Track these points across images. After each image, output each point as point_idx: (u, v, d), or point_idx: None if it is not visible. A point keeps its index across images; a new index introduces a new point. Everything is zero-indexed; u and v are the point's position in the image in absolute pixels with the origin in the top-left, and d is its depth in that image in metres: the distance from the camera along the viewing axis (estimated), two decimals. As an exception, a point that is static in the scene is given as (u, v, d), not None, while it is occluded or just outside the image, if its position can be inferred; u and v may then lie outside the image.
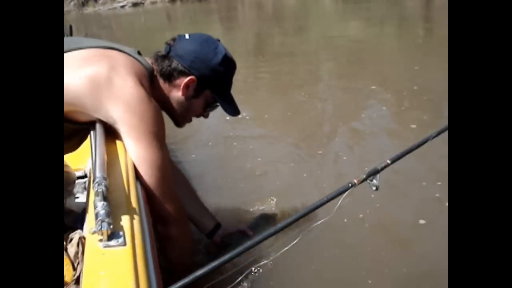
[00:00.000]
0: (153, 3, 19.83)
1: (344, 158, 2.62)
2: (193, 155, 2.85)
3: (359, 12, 9.40)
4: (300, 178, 2.40)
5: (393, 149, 2.50)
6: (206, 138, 3.09)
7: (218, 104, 1.45)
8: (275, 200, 2.14)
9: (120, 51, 1.26)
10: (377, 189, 0.87)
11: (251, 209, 2.08)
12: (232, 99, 1.47)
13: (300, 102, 3.75)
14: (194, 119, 1.51)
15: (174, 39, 1.38)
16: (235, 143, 2.98)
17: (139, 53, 1.32)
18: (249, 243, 0.72)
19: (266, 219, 1.88)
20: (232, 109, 1.46)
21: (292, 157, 2.70)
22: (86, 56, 1.19)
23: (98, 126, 1.21)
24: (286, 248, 0.84)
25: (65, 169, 1.65)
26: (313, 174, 2.45)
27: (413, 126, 2.93)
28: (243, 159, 2.74)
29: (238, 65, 1.47)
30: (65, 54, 1.19)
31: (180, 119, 1.45)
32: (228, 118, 1.92)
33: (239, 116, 1.52)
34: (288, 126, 3.24)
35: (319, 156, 2.69)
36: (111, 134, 1.22)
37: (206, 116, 1.50)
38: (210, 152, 2.92)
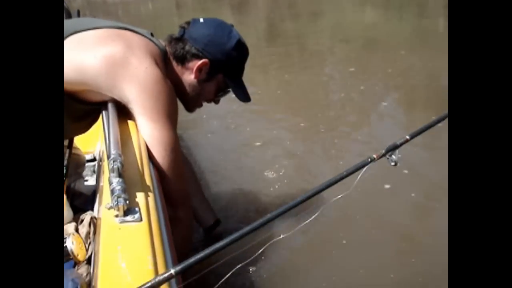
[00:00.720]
0: (163, -11, 19.48)
1: (349, 139, 2.69)
2: (209, 135, 2.90)
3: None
4: (305, 163, 2.43)
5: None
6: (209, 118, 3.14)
7: (229, 89, 1.45)
8: (279, 184, 2.17)
9: (134, 31, 1.25)
10: (396, 164, 0.86)
11: (256, 195, 2.09)
12: (243, 85, 1.47)
13: (309, 85, 3.83)
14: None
15: (188, 23, 1.38)
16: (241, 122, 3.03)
17: (152, 35, 1.31)
18: (269, 215, 0.72)
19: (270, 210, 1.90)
20: (244, 95, 1.46)
21: (296, 136, 2.76)
22: (101, 36, 1.19)
23: (110, 105, 1.21)
24: (305, 222, 0.83)
25: (75, 152, 1.66)
26: (320, 157, 2.49)
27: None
28: (245, 137, 2.80)
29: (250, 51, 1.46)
30: (79, 34, 1.19)
31: (192, 103, 1.44)
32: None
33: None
34: (295, 107, 3.34)
35: (325, 137, 2.74)
36: (123, 114, 1.22)
37: (216, 102, 1.50)
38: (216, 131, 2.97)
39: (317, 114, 3.12)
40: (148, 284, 0.64)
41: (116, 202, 0.83)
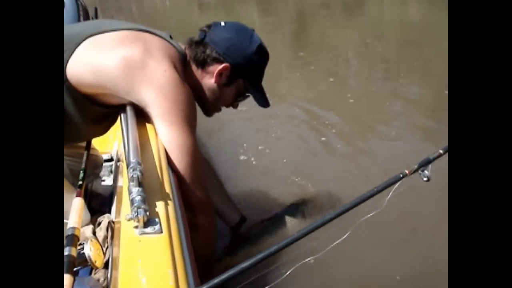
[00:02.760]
0: (183, -15, 18.93)
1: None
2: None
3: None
4: (319, 164, 2.42)
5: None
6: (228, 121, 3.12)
7: (248, 94, 1.43)
8: (296, 183, 2.16)
9: (154, 34, 1.23)
10: (428, 180, 0.83)
11: (274, 195, 2.08)
12: (263, 90, 1.44)
13: (333, 90, 3.75)
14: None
15: (209, 26, 1.35)
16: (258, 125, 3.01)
17: (170, 37, 1.29)
18: (296, 234, 0.69)
19: (290, 207, 1.86)
20: (263, 100, 1.44)
21: (312, 142, 2.73)
22: (120, 38, 1.17)
23: (129, 109, 1.19)
24: (336, 242, 0.80)
25: (92, 152, 1.65)
26: (333, 160, 2.47)
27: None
28: (265, 142, 2.77)
29: (271, 53, 1.43)
30: (97, 36, 1.17)
31: (210, 107, 1.42)
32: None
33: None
34: (314, 115, 3.25)
35: (343, 142, 2.70)
36: (141, 117, 1.20)
37: (235, 106, 1.47)
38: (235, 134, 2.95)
39: (332, 114, 3.10)
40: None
41: (136, 213, 0.81)
